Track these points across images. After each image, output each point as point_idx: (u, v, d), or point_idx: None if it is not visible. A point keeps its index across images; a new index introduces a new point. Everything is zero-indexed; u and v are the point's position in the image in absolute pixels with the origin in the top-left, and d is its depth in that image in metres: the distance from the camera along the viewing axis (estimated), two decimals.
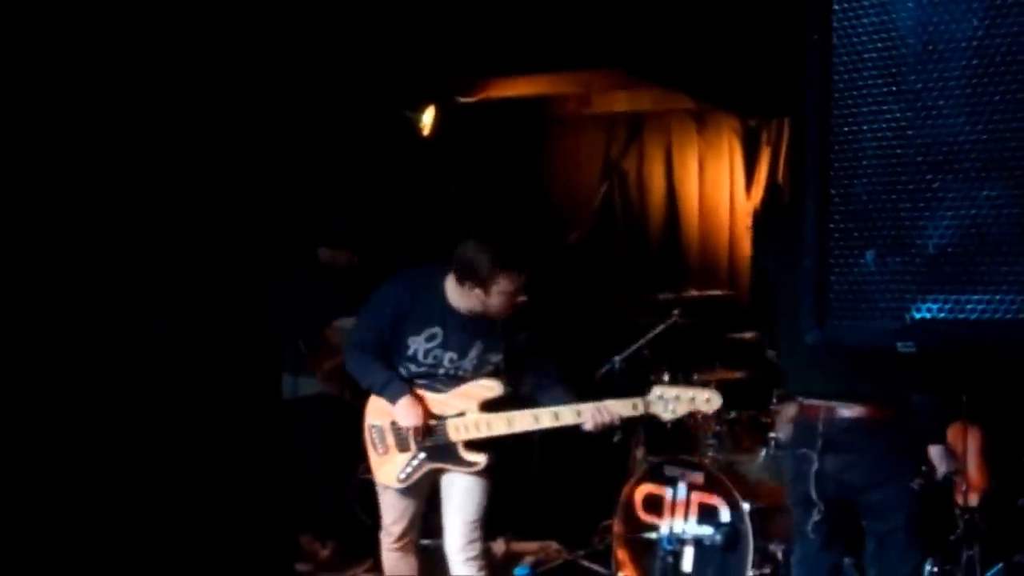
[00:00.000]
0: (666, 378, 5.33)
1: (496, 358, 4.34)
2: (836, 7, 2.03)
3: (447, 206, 7.04)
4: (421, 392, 4.34)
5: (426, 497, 4.51)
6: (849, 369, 3.67)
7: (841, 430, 3.72)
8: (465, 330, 4.26)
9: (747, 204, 6.89)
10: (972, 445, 4.17)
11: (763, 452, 5.45)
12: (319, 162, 6.24)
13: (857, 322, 2.02)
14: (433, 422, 4.32)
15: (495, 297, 4.17)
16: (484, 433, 4.27)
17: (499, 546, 6.58)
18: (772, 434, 5.42)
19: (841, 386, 3.73)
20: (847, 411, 3.74)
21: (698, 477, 5.37)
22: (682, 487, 5.41)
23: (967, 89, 1.91)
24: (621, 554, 5.54)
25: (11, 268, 5.06)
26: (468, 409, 4.29)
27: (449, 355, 4.28)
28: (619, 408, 4.20)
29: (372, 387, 4.39)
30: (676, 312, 5.89)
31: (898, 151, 1.98)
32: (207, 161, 5.66)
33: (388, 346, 4.34)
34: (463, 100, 7.13)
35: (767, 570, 5.21)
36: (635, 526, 5.49)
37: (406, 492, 4.45)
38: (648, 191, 7.24)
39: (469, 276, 4.15)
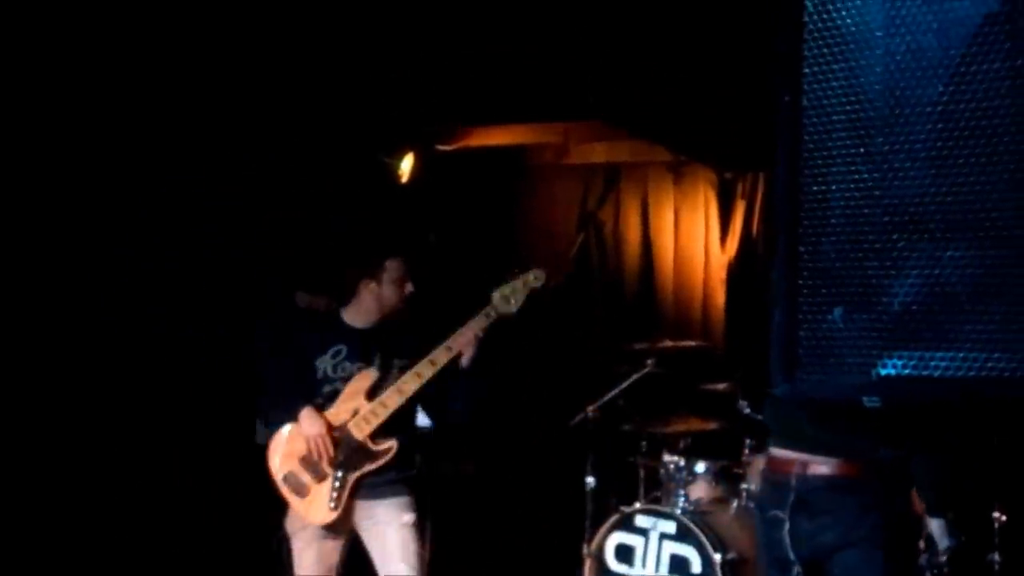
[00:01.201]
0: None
1: (401, 361, 4.53)
2: (807, 70, 2.09)
3: (426, 253, 7.07)
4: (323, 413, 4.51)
5: (345, 551, 4.57)
6: (826, 423, 3.58)
7: (814, 488, 3.60)
8: (366, 342, 4.53)
9: (721, 256, 6.96)
10: None
11: (735, 503, 5.47)
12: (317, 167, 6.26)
13: (825, 376, 2.06)
14: (336, 433, 4.44)
15: (387, 286, 4.53)
16: (383, 415, 4.43)
17: None
18: (744, 485, 5.44)
19: (818, 439, 3.62)
20: (821, 467, 3.61)
21: (670, 527, 5.39)
22: (654, 537, 5.42)
23: (932, 152, 1.96)
24: None
25: (11, 268, 5.07)
26: (359, 405, 4.45)
27: (356, 364, 4.50)
28: (477, 324, 4.47)
29: (282, 419, 4.50)
30: (650, 362, 5.93)
31: (865, 211, 2.03)
32: (207, 161, 5.68)
33: (298, 381, 4.50)
34: (442, 148, 7.19)
35: None
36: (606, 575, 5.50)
37: (332, 532, 4.48)
38: (624, 241, 7.30)
39: (362, 277, 4.52)
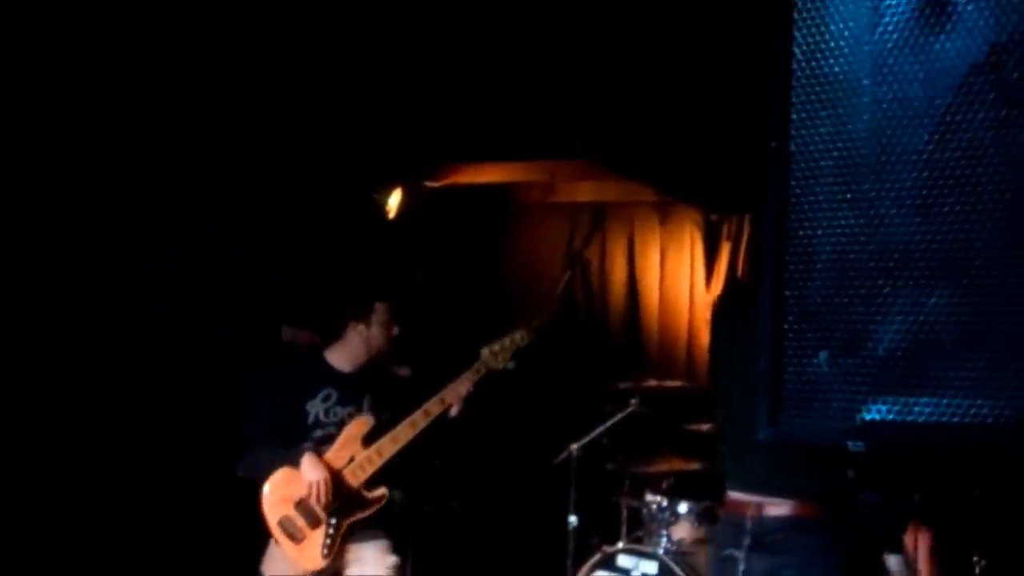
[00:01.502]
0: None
1: (390, 404, 4.66)
2: (795, 116, 2.11)
3: (412, 290, 7.08)
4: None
5: None
6: (787, 464, 3.55)
7: (771, 529, 3.56)
8: (355, 385, 4.64)
9: (707, 296, 6.98)
10: (923, 545, 4.16)
11: None
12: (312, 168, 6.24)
13: (809, 420, 2.06)
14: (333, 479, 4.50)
15: (375, 328, 4.65)
16: (379, 462, 4.54)
17: None
18: None
19: (778, 480, 3.59)
20: (778, 508, 3.58)
21: (652, 567, 5.37)
22: None
23: (918, 199, 1.98)
24: None
25: (11, 268, 5.05)
26: (355, 452, 4.54)
27: (347, 409, 4.59)
28: (468, 379, 4.69)
29: (272, 467, 4.53)
30: (634, 401, 5.93)
31: (851, 256, 2.04)
32: (207, 161, 5.68)
33: (280, 435, 4.51)
34: (429, 184, 7.21)
35: None
36: None
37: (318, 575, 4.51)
38: (610, 280, 7.32)
39: (351, 318, 4.63)
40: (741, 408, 3.67)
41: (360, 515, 4.52)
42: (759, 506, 3.60)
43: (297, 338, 6.12)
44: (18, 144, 5.05)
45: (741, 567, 3.57)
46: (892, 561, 3.74)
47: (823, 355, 2.05)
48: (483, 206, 7.47)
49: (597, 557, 5.53)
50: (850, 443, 2.03)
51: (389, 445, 4.54)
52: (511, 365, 4.73)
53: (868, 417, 2.00)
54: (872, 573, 3.72)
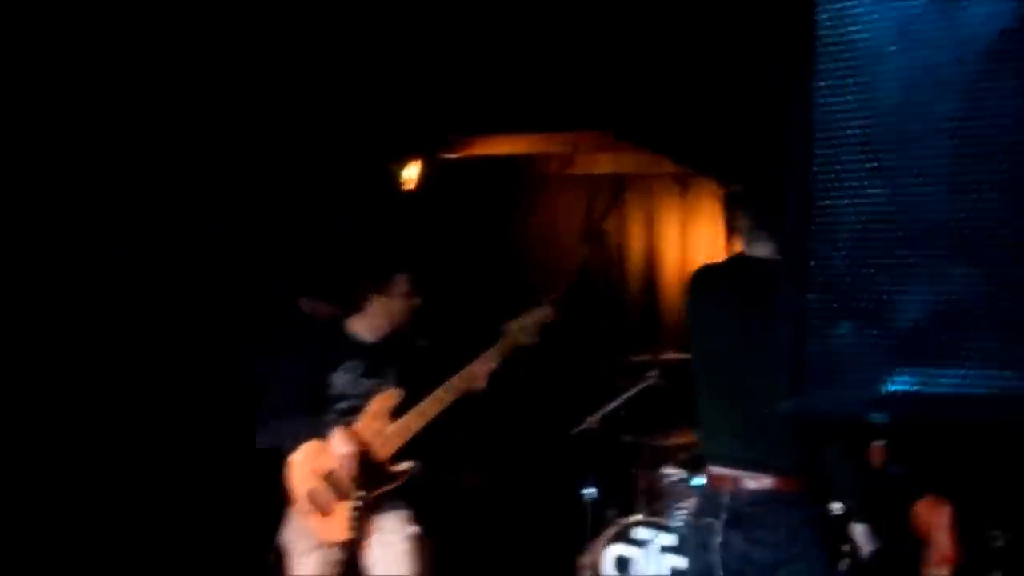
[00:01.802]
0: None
1: (413, 377, 4.60)
2: (819, 84, 2.08)
3: (430, 262, 7.08)
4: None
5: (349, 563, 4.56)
6: (763, 437, 3.54)
7: (749, 503, 3.53)
8: (380, 356, 4.60)
9: None
10: (942, 519, 4.13)
11: None
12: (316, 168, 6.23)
13: (831, 392, 2.04)
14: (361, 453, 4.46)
15: (398, 300, 4.62)
16: (407, 436, 4.51)
17: None
18: None
19: (754, 454, 3.57)
20: (756, 482, 3.54)
21: (670, 539, 5.37)
22: (653, 549, 5.41)
23: (944, 168, 1.95)
24: None
25: (11, 268, 5.06)
26: (382, 425, 4.51)
27: (373, 381, 4.55)
28: (494, 354, 4.65)
29: (298, 436, 4.48)
30: (653, 373, 5.91)
31: (876, 226, 2.01)
32: (207, 161, 5.68)
33: (304, 406, 4.47)
34: (447, 156, 7.18)
35: None
36: None
37: (344, 546, 4.47)
38: (629, 253, 7.29)
39: (373, 288, 4.59)
40: (720, 381, 3.66)
41: (386, 488, 4.50)
42: (736, 480, 3.57)
43: (316, 310, 6.11)
44: (18, 144, 5.05)
45: (719, 539, 3.54)
46: (858, 530, 3.67)
47: (847, 326, 2.03)
48: (501, 178, 7.44)
49: (615, 529, 5.54)
50: (873, 414, 2.01)
51: (416, 419, 4.52)
52: (537, 341, 4.69)
53: (891, 388, 1.97)
54: (829, 540, 3.62)
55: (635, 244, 7.29)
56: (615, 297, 7.32)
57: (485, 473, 6.74)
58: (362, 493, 4.44)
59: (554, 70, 5.62)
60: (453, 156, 7.18)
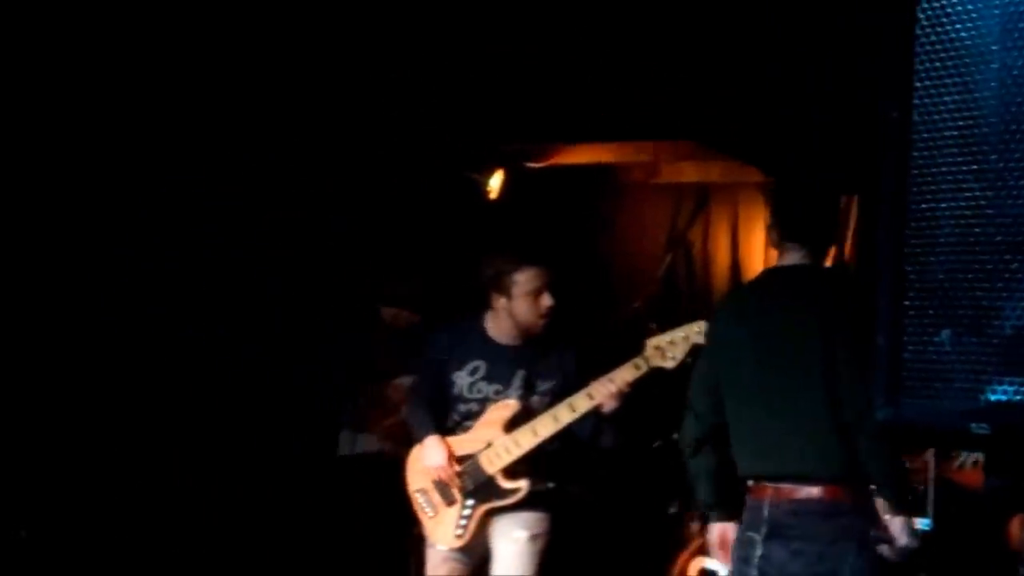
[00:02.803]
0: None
1: (545, 385, 4.30)
2: (918, 84, 2.03)
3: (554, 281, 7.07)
4: (455, 436, 4.34)
5: (478, 565, 4.46)
6: (803, 447, 3.48)
7: (788, 512, 3.47)
8: (507, 361, 4.29)
9: None
10: None
11: None
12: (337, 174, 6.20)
13: (930, 401, 1.99)
14: (466, 462, 4.30)
15: (519, 301, 4.21)
16: (516, 453, 4.22)
17: None
18: None
19: (793, 465, 3.50)
20: (795, 492, 3.47)
21: None
22: None
23: None
24: None
25: (11, 268, 5.10)
26: (493, 437, 4.25)
27: (494, 387, 4.28)
28: (624, 374, 4.16)
29: (417, 433, 4.39)
30: None
31: (976, 230, 1.96)
32: (207, 161, 5.68)
33: (440, 394, 4.35)
34: (531, 165, 7.17)
35: None
36: None
37: (465, 553, 4.38)
38: (713, 263, 7.21)
39: (492, 286, 4.22)
40: (750, 396, 3.58)
41: (496, 503, 4.27)
42: (776, 491, 3.50)
43: (396, 318, 6.13)
44: (18, 144, 5.09)
45: (759, 551, 3.49)
46: (895, 523, 3.48)
47: (946, 333, 1.97)
48: (585, 187, 7.40)
49: (699, 542, 5.47)
50: (973, 425, 1.95)
51: (529, 436, 4.19)
52: (688, 361, 4.10)
53: (993, 398, 1.92)
54: (867, 552, 3.49)
55: (719, 254, 7.20)
56: (699, 307, 7.23)
57: (566, 484, 6.69)
58: (471, 503, 4.28)
59: (640, 78, 5.58)
60: (537, 165, 7.17)
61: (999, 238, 1.93)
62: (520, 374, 4.30)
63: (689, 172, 7.27)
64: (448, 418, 4.39)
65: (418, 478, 4.38)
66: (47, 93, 5.13)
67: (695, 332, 4.15)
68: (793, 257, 3.67)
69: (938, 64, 2.00)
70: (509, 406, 4.27)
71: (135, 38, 5.11)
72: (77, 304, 5.37)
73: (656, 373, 4.21)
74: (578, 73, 5.65)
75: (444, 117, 6.10)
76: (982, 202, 1.95)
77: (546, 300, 4.26)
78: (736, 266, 7.17)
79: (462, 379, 4.33)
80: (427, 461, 4.28)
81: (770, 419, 3.54)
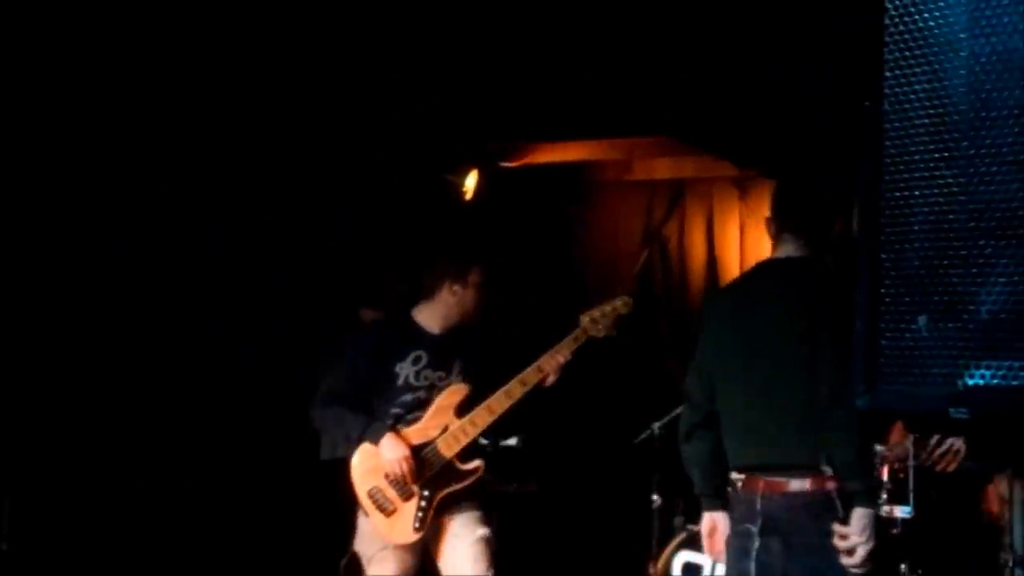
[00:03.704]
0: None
1: (479, 371, 4.48)
2: (888, 75, 2.04)
3: (495, 275, 7.08)
4: (403, 428, 4.40)
5: (420, 563, 4.49)
6: (795, 438, 3.48)
7: (781, 507, 3.47)
8: (445, 349, 4.46)
9: None
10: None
11: None
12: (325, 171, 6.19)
13: (908, 387, 2.01)
14: (423, 451, 4.37)
15: (471, 290, 4.50)
16: (473, 433, 4.38)
17: None
18: None
19: (785, 456, 3.50)
20: (788, 485, 3.48)
21: None
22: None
23: (1020, 155, 1.91)
24: None
25: (11, 268, 5.08)
26: (448, 421, 4.38)
27: (438, 374, 4.42)
28: (566, 346, 4.47)
29: (350, 436, 4.40)
30: None
31: (950, 217, 1.98)
32: (207, 161, 5.67)
33: (366, 394, 4.38)
34: (505, 165, 7.18)
35: None
36: None
37: (414, 549, 4.41)
38: (689, 258, 7.23)
39: (448, 277, 4.48)
40: (741, 388, 3.60)
41: (455, 487, 4.38)
42: (769, 484, 3.51)
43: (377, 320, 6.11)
44: (18, 144, 5.08)
45: (756, 543, 3.50)
46: (857, 515, 3.51)
47: (922, 320, 1.99)
48: (559, 186, 7.41)
49: (682, 536, 5.49)
50: (952, 410, 1.97)
51: (484, 415, 4.37)
52: (612, 334, 4.50)
53: (971, 383, 1.94)
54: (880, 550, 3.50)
55: (695, 248, 7.22)
56: (676, 301, 7.27)
57: (549, 480, 6.70)
58: (427, 492, 4.34)
59: (611, 75, 5.59)
60: (511, 165, 7.17)
61: (972, 224, 1.95)
62: (458, 361, 4.47)
63: (663, 168, 7.29)
64: (385, 415, 4.40)
65: (368, 479, 4.38)
66: (47, 93, 5.12)
67: (621, 305, 4.55)
68: (787, 249, 3.68)
69: (907, 53, 2.03)
70: (460, 390, 4.42)
71: (135, 38, 5.10)
72: (77, 304, 5.37)
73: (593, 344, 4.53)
74: (549, 72, 5.66)
75: (419, 117, 6.10)
76: (955, 188, 1.97)
77: (482, 294, 4.56)
78: (712, 260, 7.19)
79: (406, 368, 4.42)
80: (387, 456, 4.31)
81: (758, 410, 3.56)
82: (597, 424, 6.90)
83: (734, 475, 3.71)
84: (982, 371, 1.93)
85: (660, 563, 5.51)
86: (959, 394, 1.96)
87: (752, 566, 3.50)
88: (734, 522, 3.66)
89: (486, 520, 4.48)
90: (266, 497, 5.95)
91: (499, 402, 4.38)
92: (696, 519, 5.54)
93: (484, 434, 4.56)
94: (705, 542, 3.89)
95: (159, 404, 5.66)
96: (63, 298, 5.32)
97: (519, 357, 4.52)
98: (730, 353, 3.67)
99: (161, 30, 5.05)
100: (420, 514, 4.34)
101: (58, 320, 5.30)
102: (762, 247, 7.01)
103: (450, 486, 4.38)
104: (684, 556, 5.45)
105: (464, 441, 4.38)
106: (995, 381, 1.91)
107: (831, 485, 3.43)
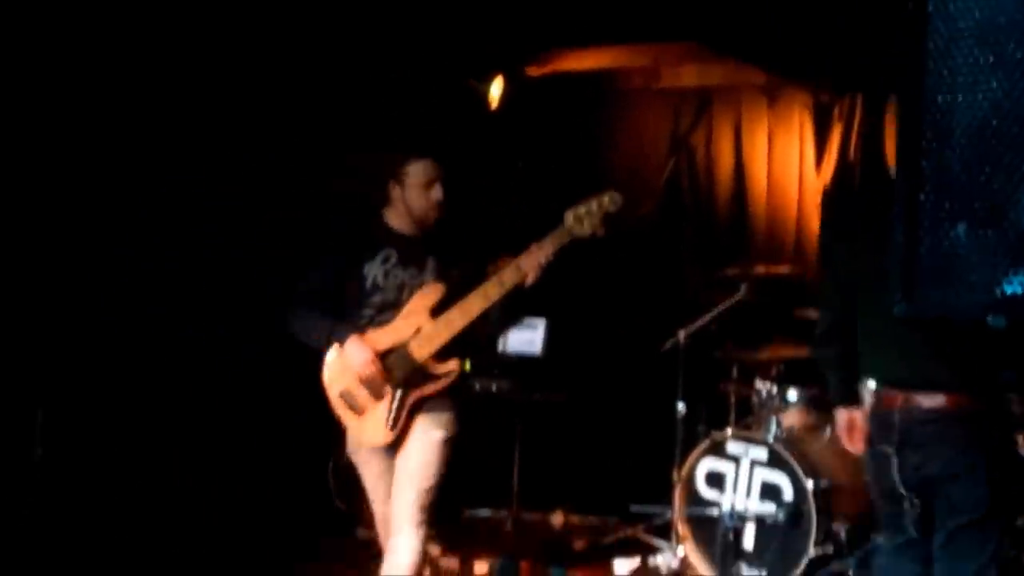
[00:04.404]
0: None
1: (457, 270, 4.28)
2: None
3: (514, 180, 7.03)
4: (375, 330, 4.27)
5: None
6: (933, 354, 3.53)
7: (919, 422, 3.56)
8: (417, 247, 4.27)
9: (816, 181, 6.81)
10: None
11: (828, 430, 5.41)
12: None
13: (946, 295, 1.99)
14: (392, 354, 4.22)
15: (413, 191, 4.25)
16: (448, 335, 4.19)
17: (557, 518, 6.61)
18: None
19: (923, 373, 3.57)
20: (926, 401, 3.55)
21: (761, 454, 5.35)
22: (745, 463, 5.40)
23: None
24: (682, 529, 5.55)
25: (11, 268, 5.05)
26: (421, 323, 4.22)
27: (409, 272, 4.25)
28: (548, 245, 4.15)
29: (321, 338, 4.29)
30: (743, 287, 5.85)
31: (993, 123, 1.94)
32: (207, 161, 5.63)
33: (339, 296, 4.30)
34: (531, 72, 7.10)
35: (829, 549, 5.20)
36: (696, 501, 5.49)
37: (393, 449, 4.28)
38: (716, 167, 7.18)
39: (390, 177, 4.27)
40: (878, 299, 3.59)
41: (429, 389, 4.21)
42: (907, 399, 3.58)
43: None
44: (18, 144, 5.01)
45: (895, 461, 3.59)
46: None
47: (962, 227, 1.97)
48: (586, 94, 7.34)
49: (706, 443, 5.53)
50: (990, 318, 1.95)
51: (459, 317, 4.17)
52: (600, 232, 4.15)
53: (1009, 291, 1.92)
54: (999, 457, 3.63)
55: (723, 157, 7.16)
56: (703, 211, 7.23)
57: (575, 389, 6.73)
58: (399, 393, 4.20)
59: None
60: (537, 72, 7.10)
61: (1016, 130, 1.91)
62: (431, 259, 4.28)
63: (690, 76, 7.20)
64: (357, 316, 4.29)
65: (339, 381, 4.27)
66: (47, 94, 5.08)
67: (607, 201, 4.16)
68: None
69: None
70: (435, 290, 4.24)
71: (135, 38, 5.07)
72: (77, 304, 5.33)
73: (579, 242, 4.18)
74: None
75: (444, 25, 6.03)
76: (999, 94, 1.93)
77: (436, 192, 4.26)
78: (740, 169, 7.15)
79: (375, 268, 4.27)
80: (352, 358, 4.21)
81: (897, 326, 3.53)
82: (622, 332, 6.92)
83: (870, 385, 3.76)
84: (1021, 279, 1.91)
85: (684, 470, 5.55)
86: (997, 302, 1.94)
87: (895, 478, 3.59)
88: (872, 442, 3.74)
89: (452, 422, 4.26)
90: (266, 497, 5.99)
91: (476, 303, 4.18)
92: (720, 428, 5.62)
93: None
94: (844, 436, 3.96)
95: (159, 404, 5.63)
96: (63, 298, 5.26)
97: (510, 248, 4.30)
98: (871, 263, 3.66)
99: (160, 31, 5.04)
100: (392, 414, 4.21)
101: (58, 320, 5.26)
102: (790, 155, 6.99)
103: (423, 387, 4.22)
104: (708, 463, 5.50)
105: (437, 343, 4.19)
106: None
107: (965, 402, 3.52)
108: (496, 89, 6.91)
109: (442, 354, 4.23)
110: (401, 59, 6.22)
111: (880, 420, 3.69)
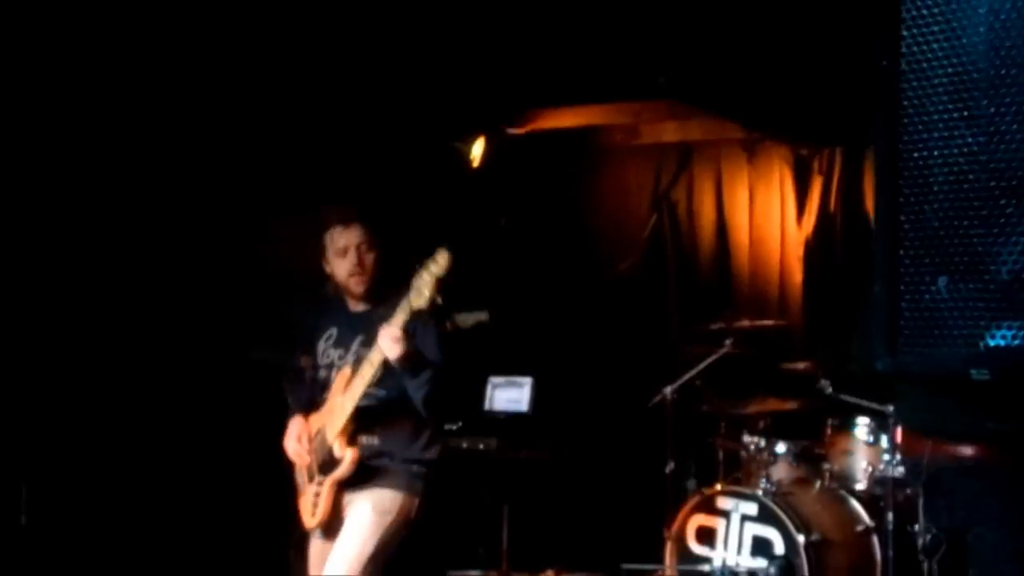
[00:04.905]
0: None
1: (372, 349, 4.06)
2: (905, 33, 2.02)
3: (497, 237, 7.04)
4: (314, 412, 4.21)
5: None
6: (963, 406, 3.43)
7: (947, 469, 3.52)
8: (350, 326, 4.18)
9: (798, 234, 6.85)
10: None
11: (817, 483, 5.39)
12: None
13: (929, 349, 1.99)
14: (318, 436, 4.15)
15: (335, 260, 4.11)
16: (343, 417, 4.04)
17: None
18: (827, 465, 5.37)
19: (956, 425, 3.51)
20: (955, 450, 3.51)
21: (752, 508, 5.31)
22: (735, 519, 5.36)
23: None
24: None
25: (11, 268, 5.06)
26: (334, 406, 4.11)
27: (337, 352, 4.17)
28: (400, 317, 3.92)
29: (290, 406, 4.32)
30: (728, 342, 5.85)
31: (970, 176, 1.96)
32: (207, 161, 5.64)
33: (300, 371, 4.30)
34: (512, 131, 7.15)
35: None
36: (688, 558, 5.45)
37: (329, 532, 4.15)
38: (698, 221, 7.21)
39: (322, 252, 4.15)
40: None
41: (339, 475, 4.06)
42: (937, 445, 3.53)
43: None
44: (18, 144, 5.04)
45: (921, 503, 3.66)
46: None
47: (942, 280, 1.98)
48: (567, 151, 7.38)
49: (696, 499, 5.49)
50: (973, 371, 1.95)
51: (347, 400, 4.02)
52: (438, 300, 3.88)
53: (992, 343, 1.93)
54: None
55: (704, 211, 7.19)
56: (686, 265, 7.25)
57: (562, 447, 6.70)
58: (318, 478, 4.10)
59: (616, 38, 5.55)
60: (518, 131, 7.14)
61: (993, 183, 1.93)
62: (358, 339, 4.14)
63: (670, 132, 7.25)
64: (312, 393, 4.26)
65: (293, 459, 4.27)
66: (47, 94, 5.09)
67: (433, 268, 3.88)
68: None
69: (924, 11, 2.00)
70: (345, 373, 4.11)
71: (135, 38, 5.07)
72: (77, 304, 5.33)
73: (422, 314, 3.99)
74: (554, 36, 5.63)
75: (425, 87, 6.07)
76: (975, 148, 1.95)
77: (350, 259, 4.10)
78: (722, 223, 7.17)
79: (321, 346, 4.23)
80: (286, 443, 4.20)
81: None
82: (608, 389, 6.90)
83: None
84: (1003, 331, 1.92)
85: (674, 526, 5.51)
86: (980, 355, 1.94)
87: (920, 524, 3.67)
88: (903, 484, 3.87)
89: (394, 499, 4.09)
90: (265, 497, 5.95)
91: (357, 385, 4.02)
92: (709, 484, 5.60)
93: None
94: None
95: (158, 404, 5.62)
96: (63, 298, 5.28)
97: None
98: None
99: (160, 31, 5.04)
100: (314, 499, 4.12)
101: (58, 320, 5.27)
102: (771, 208, 7.04)
103: (334, 473, 4.09)
104: (698, 519, 5.45)
105: (338, 426, 4.06)
106: (1016, 341, 1.90)
107: (989, 453, 3.46)
108: (478, 149, 6.95)
109: (348, 438, 4.08)
110: (383, 122, 6.26)
111: (910, 463, 3.79)
